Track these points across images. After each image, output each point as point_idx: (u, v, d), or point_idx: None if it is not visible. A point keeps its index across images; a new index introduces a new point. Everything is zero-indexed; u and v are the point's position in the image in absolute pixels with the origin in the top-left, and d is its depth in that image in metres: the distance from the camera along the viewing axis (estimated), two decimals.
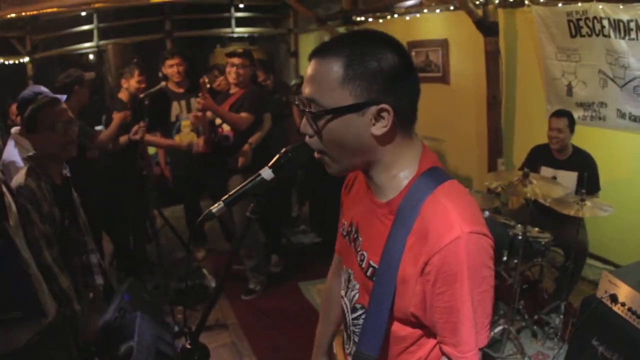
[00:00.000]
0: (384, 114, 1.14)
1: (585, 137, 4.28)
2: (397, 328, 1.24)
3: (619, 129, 4.25)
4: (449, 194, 1.17)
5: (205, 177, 4.71)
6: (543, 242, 3.71)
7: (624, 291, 2.84)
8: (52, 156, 2.49)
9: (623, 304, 2.82)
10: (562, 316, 3.66)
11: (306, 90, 1.19)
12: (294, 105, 5.89)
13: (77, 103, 4.00)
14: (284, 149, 1.27)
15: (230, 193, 1.27)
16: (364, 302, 1.31)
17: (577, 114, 4.39)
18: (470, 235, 1.10)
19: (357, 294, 1.35)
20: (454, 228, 1.09)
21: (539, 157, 4.27)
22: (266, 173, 1.25)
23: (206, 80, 4.14)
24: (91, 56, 7.81)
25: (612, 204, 3.54)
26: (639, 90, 3.91)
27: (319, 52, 1.17)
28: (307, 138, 1.24)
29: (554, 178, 4.06)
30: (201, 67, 5.98)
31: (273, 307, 4.50)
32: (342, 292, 1.46)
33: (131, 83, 4.59)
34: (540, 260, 3.79)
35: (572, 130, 4.03)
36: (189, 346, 1.99)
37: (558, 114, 4.07)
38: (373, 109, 1.14)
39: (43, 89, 2.90)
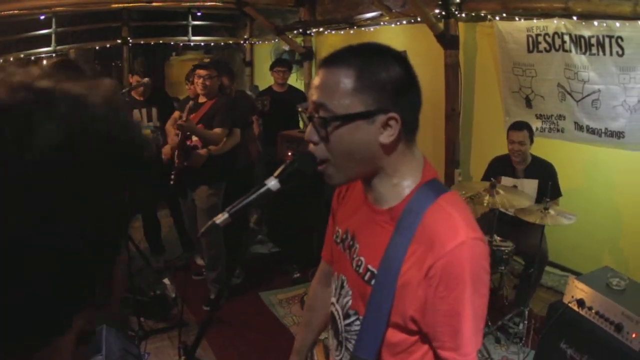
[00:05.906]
0: (392, 123, 1.18)
1: (544, 147, 4.41)
2: (390, 334, 1.24)
3: (577, 141, 4.41)
4: (452, 202, 1.21)
5: (170, 187, 4.60)
6: (506, 251, 3.80)
7: (591, 296, 2.94)
8: None
9: (590, 308, 2.92)
10: (526, 322, 3.74)
11: (315, 96, 1.19)
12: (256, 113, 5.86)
13: None
14: (289, 159, 1.23)
15: (234, 204, 1.20)
16: (358, 308, 1.31)
17: (535, 125, 4.51)
18: (474, 241, 1.14)
19: (351, 300, 1.35)
20: (459, 233, 1.13)
21: (499, 168, 4.34)
22: (272, 183, 1.20)
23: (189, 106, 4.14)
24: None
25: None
26: (597, 103, 4.07)
27: (329, 62, 1.20)
28: (310, 146, 1.22)
29: (515, 187, 4.15)
30: (157, 75, 5.87)
31: (236, 317, 4.43)
32: (334, 299, 1.45)
33: None
34: (502, 269, 3.87)
35: (531, 141, 4.13)
36: None
37: (517, 127, 4.13)
38: (382, 117, 1.17)
39: None
